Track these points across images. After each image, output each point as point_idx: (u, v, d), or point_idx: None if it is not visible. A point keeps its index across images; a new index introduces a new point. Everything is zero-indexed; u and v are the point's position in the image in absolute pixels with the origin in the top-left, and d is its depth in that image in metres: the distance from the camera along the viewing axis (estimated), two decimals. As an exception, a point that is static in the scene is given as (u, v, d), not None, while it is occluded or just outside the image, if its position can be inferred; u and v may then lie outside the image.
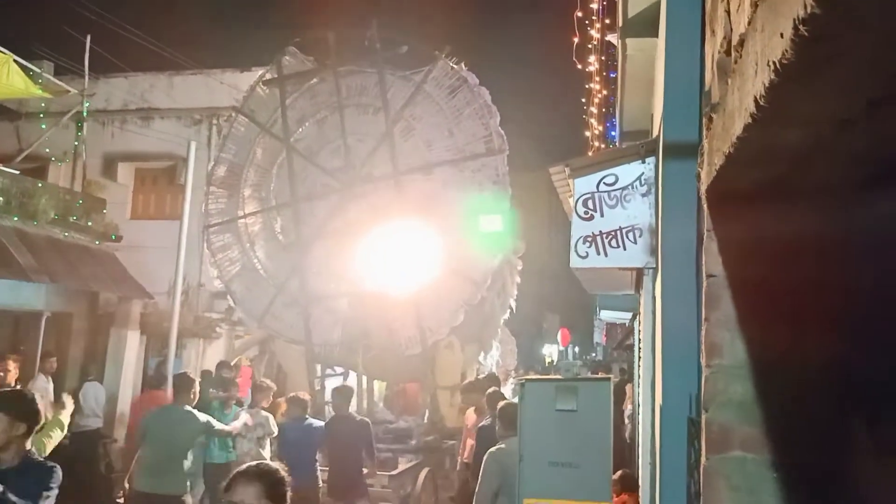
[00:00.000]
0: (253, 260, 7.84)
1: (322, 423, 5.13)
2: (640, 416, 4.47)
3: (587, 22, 10.30)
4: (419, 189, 6.62)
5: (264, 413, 5.47)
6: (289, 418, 5.22)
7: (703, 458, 1.98)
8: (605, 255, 3.93)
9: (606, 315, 11.17)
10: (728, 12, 1.69)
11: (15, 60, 9.46)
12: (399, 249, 6.35)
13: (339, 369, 7.01)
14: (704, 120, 1.99)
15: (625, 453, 6.42)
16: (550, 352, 37.42)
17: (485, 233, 6.00)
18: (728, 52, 1.64)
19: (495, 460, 3.89)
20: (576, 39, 10.48)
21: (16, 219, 9.08)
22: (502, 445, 3.97)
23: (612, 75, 10.75)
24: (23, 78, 9.78)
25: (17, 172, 9.70)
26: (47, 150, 10.84)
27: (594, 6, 10.00)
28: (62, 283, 8.93)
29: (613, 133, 10.50)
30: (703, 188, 1.94)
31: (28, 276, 8.56)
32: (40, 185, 9.81)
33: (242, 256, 7.96)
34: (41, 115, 11.14)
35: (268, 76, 8.19)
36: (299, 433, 5.05)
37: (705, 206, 2.01)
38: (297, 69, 8.03)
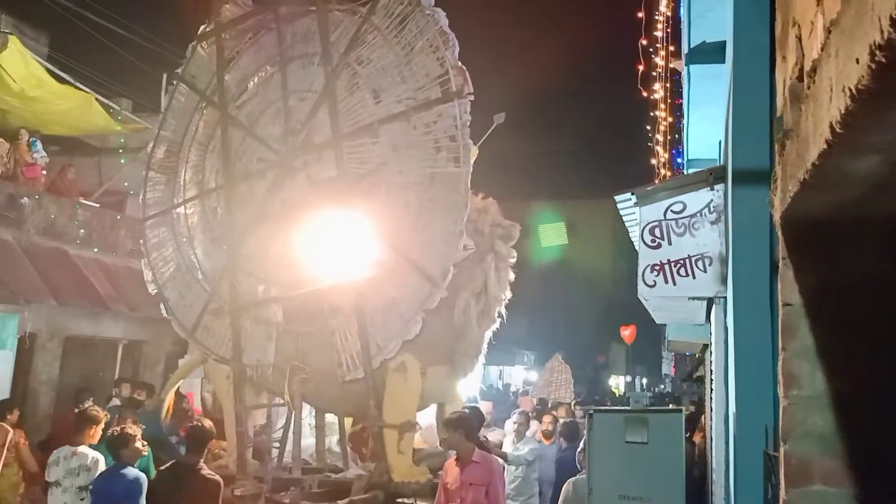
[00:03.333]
0: (191, 257, 7.46)
1: (140, 475, 4.44)
2: (714, 450, 4.69)
3: (651, 49, 11.67)
4: (365, 156, 5.72)
5: (91, 453, 4.84)
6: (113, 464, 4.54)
7: (781, 493, 2.14)
8: (674, 283, 4.26)
9: (675, 346, 11.99)
10: (799, 38, 1.86)
11: (97, 99, 11.46)
12: (340, 237, 5.44)
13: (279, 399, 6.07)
14: (777, 146, 2.14)
15: (694, 489, 6.16)
16: (617, 383, 39.29)
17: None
18: (800, 78, 1.79)
19: (575, 490, 4.11)
20: (641, 67, 11.78)
21: (96, 250, 11.17)
22: (584, 475, 4.09)
23: (677, 102, 11.88)
24: (103, 115, 11.84)
25: (98, 206, 11.81)
26: (126, 183, 12.47)
27: (658, 34, 11.36)
28: (139, 312, 10.31)
29: (680, 160, 11.94)
30: (778, 215, 2.08)
31: (107, 304, 10.43)
32: (119, 217, 11.94)
33: (177, 254, 7.46)
34: (120, 151, 13.29)
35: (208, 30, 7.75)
36: (103, 486, 4.43)
37: (780, 233, 2.16)
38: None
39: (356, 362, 5.61)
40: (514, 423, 7.63)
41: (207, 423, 4.62)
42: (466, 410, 5.58)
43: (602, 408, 4.59)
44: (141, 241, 7.85)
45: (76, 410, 6.02)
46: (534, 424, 8.49)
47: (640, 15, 11.73)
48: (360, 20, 6.10)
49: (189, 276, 7.28)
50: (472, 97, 5.27)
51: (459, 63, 5.36)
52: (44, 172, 12.61)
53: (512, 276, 6.27)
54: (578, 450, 5.40)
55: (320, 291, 5.76)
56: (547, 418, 8.71)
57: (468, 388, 6.49)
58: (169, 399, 7.47)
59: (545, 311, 37.19)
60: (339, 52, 6.24)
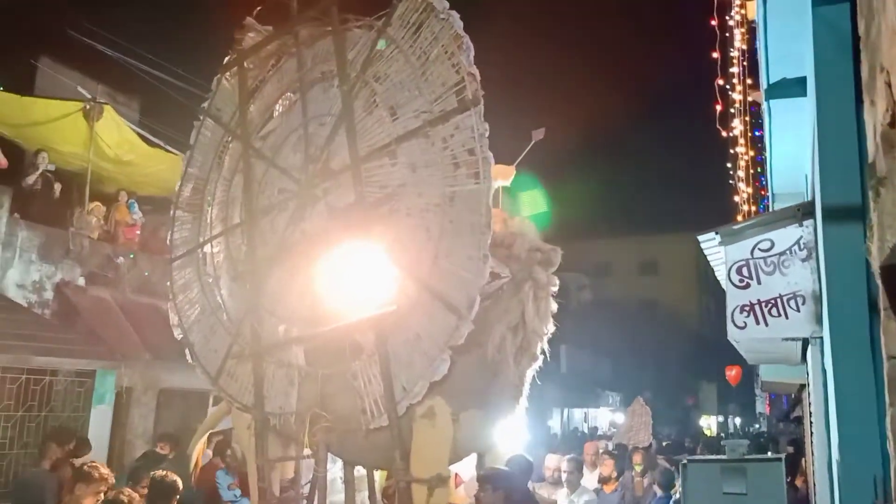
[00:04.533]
0: (216, 299, 7.23)
1: None
2: (817, 498, 4.84)
3: (728, 87, 12.16)
4: (384, 179, 5.36)
5: None
6: None
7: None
8: (766, 324, 4.27)
9: (769, 386, 11.77)
10: (889, 85, 1.93)
11: None
12: (359, 269, 5.08)
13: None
14: (871, 192, 2.19)
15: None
16: (709, 423, 38.49)
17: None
18: (892, 125, 1.89)
19: None
20: (719, 107, 12.30)
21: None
22: None
23: (756, 133, 12.22)
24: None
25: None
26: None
27: (735, 69, 11.87)
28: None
29: (764, 195, 12.03)
30: (877, 264, 2.16)
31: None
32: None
33: (202, 296, 7.29)
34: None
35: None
36: None
37: (880, 282, 2.19)
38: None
39: (380, 408, 5.10)
40: (565, 471, 6.94)
41: (170, 478, 4.22)
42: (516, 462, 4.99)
43: (696, 458, 4.24)
44: (168, 284, 7.62)
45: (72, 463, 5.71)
46: (595, 472, 7.83)
47: (715, 55, 12.25)
48: (376, 34, 5.74)
49: (213, 318, 6.99)
50: (480, 103, 4.81)
51: (474, 68, 4.89)
52: (137, 232, 13.67)
53: (555, 306, 5.66)
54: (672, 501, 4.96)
55: (341, 329, 5.32)
56: (607, 462, 8.02)
57: (514, 436, 5.77)
58: (197, 452, 7.14)
59: (630, 350, 36.45)
60: (356, 70, 5.89)
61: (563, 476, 7.04)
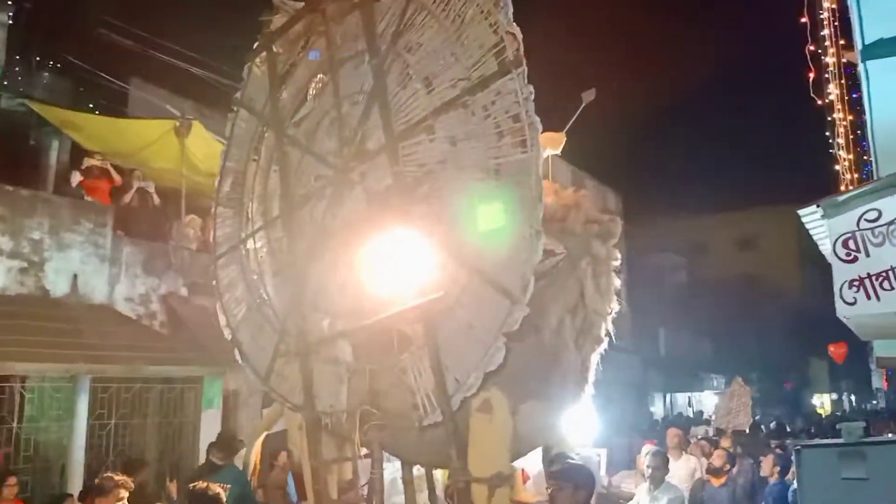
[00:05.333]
0: (261, 295, 7.02)
1: None
2: None
3: (819, 51, 11.79)
4: (423, 156, 5.01)
5: None
6: None
7: None
8: (878, 298, 4.18)
9: (885, 362, 12.27)
10: None
11: None
12: (401, 255, 4.77)
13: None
14: None
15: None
16: (822, 401, 37.36)
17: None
18: None
19: None
20: (811, 74, 12.04)
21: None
22: None
23: (853, 96, 11.79)
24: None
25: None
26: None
27: (825, 32, 11.53)
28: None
29: (867, 161, 11.44)
30: None
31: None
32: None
33: (247, 294, 7.10)
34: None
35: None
36: None
37: None
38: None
39: (433, 403, 4.77)
40: (649, 466, 6.45)
41: (212, 490, 3.99)
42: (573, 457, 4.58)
43: (811, 443, 3.96)
44: (214, 283, 7.45)
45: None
46: (691, 462, 7.29)
47: (804, 20, 11.89)
48: (405, 1, 5.36)
49: (259, 316, 6.79)
50: (524, 66, 4.39)
51: (514, 26, 4.46)
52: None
53: (617, 282, 5.21)
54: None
55: (386, 321, 5.00)
56: (718, 453, 7.50)
57: (583, 427, 5.35)
58: (255, 454, 6.96)
59: (731, 330, 35.45)
60: (386, 42, 5.53)
61: (647, 471, 6.55)
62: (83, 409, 9.97)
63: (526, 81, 4.44)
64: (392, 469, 5.82)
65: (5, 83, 11.26)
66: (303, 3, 6.89)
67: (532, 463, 5.68)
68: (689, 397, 35.11)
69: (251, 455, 6.95)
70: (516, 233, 4.44)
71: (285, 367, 6.33)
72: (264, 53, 7.10)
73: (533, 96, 4.41)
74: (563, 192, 5.50)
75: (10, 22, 13.27)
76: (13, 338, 9.46)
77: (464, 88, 4.79)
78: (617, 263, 5.23)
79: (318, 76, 6.82)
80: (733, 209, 44.31)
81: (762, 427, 18.31)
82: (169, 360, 10.75)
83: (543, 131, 5.68)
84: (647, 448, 7.54)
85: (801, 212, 4.96)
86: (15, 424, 9.69)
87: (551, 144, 5.76)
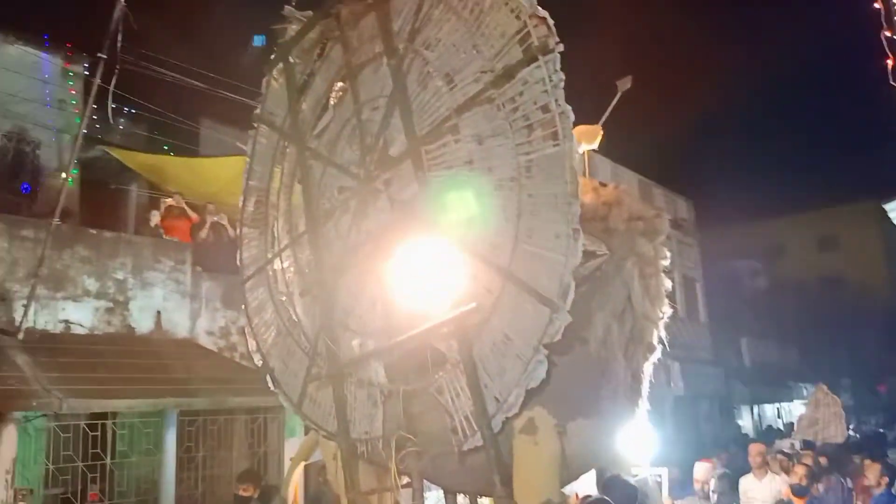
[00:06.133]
0: (291, 318, 6.77)
1: None
2: None
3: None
4: (448, 158, 4.69)
5: None
6: None
7: None
8: None
9: None
10: None
11: None
12: (430, 265, 4.44)
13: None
14: None
15: None
16: None
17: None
18: None
19: None
20: (889, 62, 11.59)
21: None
22: None
23: None
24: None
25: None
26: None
27: None
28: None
29: None
30: None
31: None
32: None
33: (276, 317, 6.87)
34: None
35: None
36: None
37: None
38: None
39: (472, 425, 4.40)
40: (714, 491, 5.93)
41: None
42: (630, 479, 4.16)
43: None
44: (242, 307, 7.21)
45: None
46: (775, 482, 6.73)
47: (877, 5, 11.60)
48: (421, -7, 5.08)
49: (290, 339, 6.53)
50: (560, 47, 4.00)
51: (539, 9, 4.10)
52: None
53: (668, 283, 4.81)
54: None
55: (417, 337, 4.68)
56: (799, 469, 6.98)
57: (639, 445, 4.90)
58: (292, 488, 6.67)
59: (817, 335, 33.96)
60: (403, 40, 5.23)
61: (713, 497, 6.03)
62: (171, 443, 10.36)
63: (556, 68, 4.07)
64: (434, 498, 5.46)
65: (84, 132, 11.67)
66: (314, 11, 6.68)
67: (585, 487, 5.26)
68: (777, 408, 33.69)
69: (288, 488, 6.66)
70: (551, 233, 4.06)
71: (318, 392, 6.05)
72: (281, 65, 6.88)
73: (563, 83, 4.04)
74: (602, 189, 5.12)
75: (86, 73, 14.30)
76: (104, 376, 9.99)
77: (488, 81, 4.47)
78: (666, 262, 4.83)
79: (338, 84, 6.57)
80: (811, 208, 42.66)
81: (858, 437, 17.23)
82: (252, 390, 10.77)
83: (578, 124, 5.31)
84: (706, 467, 7.00)
85: (887, 206, 4.02)
86: (108, 460, 10.09)
87: (587, 138, 5.39)
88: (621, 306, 4.62)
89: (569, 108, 4.01)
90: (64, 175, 12.05)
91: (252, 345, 7.01)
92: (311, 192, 6.25)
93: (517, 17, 4.29)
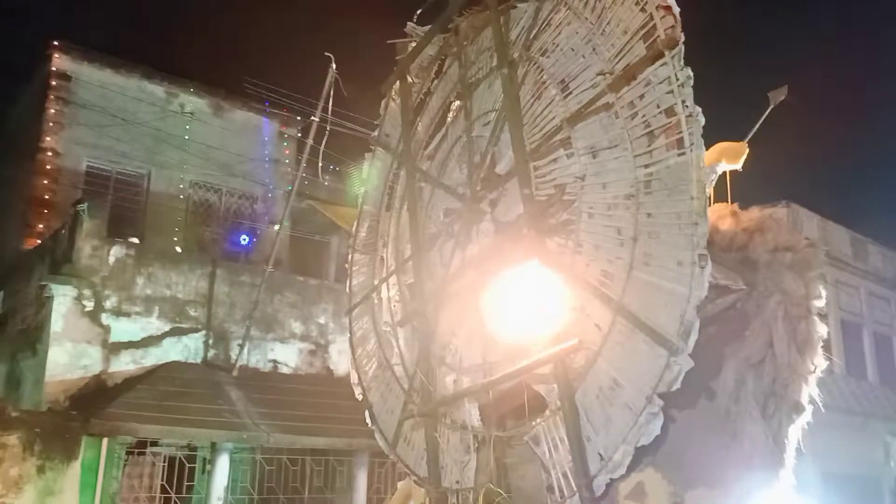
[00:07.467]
0: (393, 350, 6.38)
1: None
2: None
3: None
4: (559, 174, 4.18)
5: None
6: None
7: None
8: None
9: None
10: None
11: None
12: (530, 297, 3.89)
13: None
14: None
15: None
16: None
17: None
18: None
19: None
20: None
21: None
22: None
23: None
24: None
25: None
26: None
27: None
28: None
29: None
30: None
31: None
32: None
33: (378, 348, 6.54)
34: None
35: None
36: None
37: None
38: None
39: (571, 484, 3.78)
40: None
41: None
42: None
43: None
44: (349, 337, 6.92)
45: None
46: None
47: None
48: (540, 1, 4.65)
49: (389, 373, 6.14)
50: (682, 38, 3.43)
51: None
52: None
53: (822, 329, 3.97)
54: None
55: (515, 376, 4.13)
56: None
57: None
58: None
59: None
60: (518, 49, 4.81)
61: None
62: (363, 482, 11.04)
63: (682, 64, 3.49)
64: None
65: (292, 187, 13.10)
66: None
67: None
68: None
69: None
70: (672, 260, 3.42)
71: (412, 432, 5.61)
72: (399, 84, 6.63)
73: (692, 81, 3.44)
74: (744, 214, 4.39)
75: (299, 135, 16.05)
76: (305, 413, 10.79)
77: (605, 85, 3.91)
78: (820, 304, 4.00)
79: (455, 104, 6.22)
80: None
81: None
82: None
83: (721, 141, 4.65)
84: None
85: None
86: (306, 494, 11.01)
87: (730, 156, 4.70)
88: (760, 354, 3.87)
89: (698, 109, 3.41)
90: (277, 227, 13.47)
91: (354, 377, 6.69)
92: (417, 216, 5.89)
93: (642, 10, 3.76)
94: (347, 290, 7.21)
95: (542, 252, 4.11)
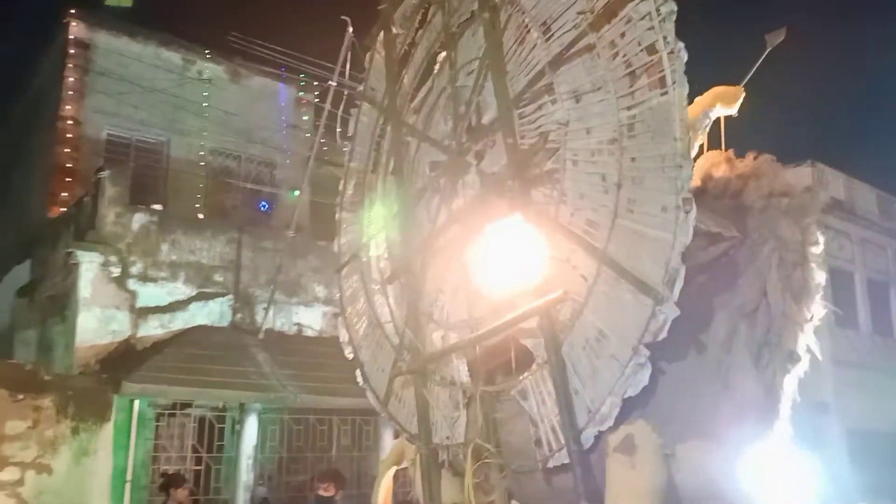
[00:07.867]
0: (383, 308, 6.28)
1: None
2: None
3: None
4: (543, 121, 4.02)
5: None
6: None
7: None
8: None
9: None
10: None
11: None
12: (515, 248, 3.75)
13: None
14: None
15: None
16: None
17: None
18: None
19: None
20: None
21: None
22: None
23: None
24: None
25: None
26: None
27: None
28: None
29: None
30: None
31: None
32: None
33: (367, 307, 6.46)
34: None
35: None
36: None
37: None
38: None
39: (559, 437, 3.71)
40: None
41: None
42: None
43: None
44: (338, 296, 6.84)
45: None
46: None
47: None
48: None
49: (379, 331, 6.06)
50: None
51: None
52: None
53: (819, 276, 3.85)
54: None
55: (498, 330, 4.05)
56: None
57: (777, 479, 3.91)
58: (384, 494, 6.17)
59: None
60: (497, -9, 4.63)
61: None
62: (389, 440, 10.90)
63: None
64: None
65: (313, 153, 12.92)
66: None
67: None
68: None
69: (378, 494, 6.17)
70: (657, 206, 3.30)
71: (403, 390, 5.55)
72: (382, 35, 6.44)
73: (675, 16, 3.27)
74: (738, 161, 4.24)
75: (317, 100, 15.82)
76: (331, 374, 10.60)
77: (587, 24, 3.74)
78: (817, 250, 3.87)
79: (441, 54, 6.03)
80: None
81: None
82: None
83: (716, 85, 4.50)
84: None
85: None
86: (333, 453, 11.41)
87: (725, 101, 4.53)
88: (753, 303, 3.76)
89: (680, 45, 3.25)
90: (297, 192, 13.59)
91: (344, 336, 6.62)
92: (402, 171, 5.75)
93: None
94: (336, 248, 7.11)
95: (527, 203, 3.99)
